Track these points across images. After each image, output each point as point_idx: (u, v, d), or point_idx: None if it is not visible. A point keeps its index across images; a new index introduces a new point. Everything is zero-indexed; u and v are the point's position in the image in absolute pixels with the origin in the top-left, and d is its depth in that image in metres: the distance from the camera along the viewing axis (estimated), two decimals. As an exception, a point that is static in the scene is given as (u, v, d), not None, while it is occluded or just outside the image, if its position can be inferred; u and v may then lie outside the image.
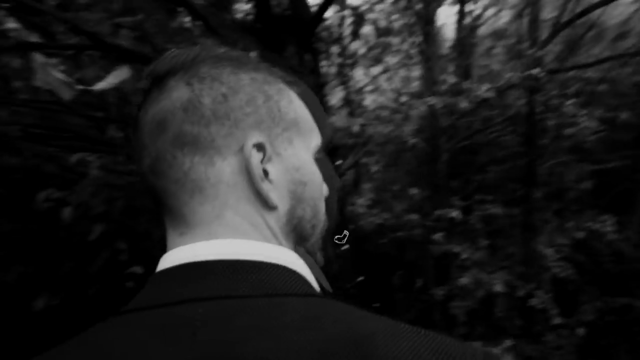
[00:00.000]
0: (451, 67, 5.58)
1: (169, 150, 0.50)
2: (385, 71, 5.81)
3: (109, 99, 2.62)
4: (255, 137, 0.52)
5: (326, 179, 0.61)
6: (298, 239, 0.57)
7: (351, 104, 5.94)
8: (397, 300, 5.01)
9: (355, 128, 3.85)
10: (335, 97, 6.20)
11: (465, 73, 5.16)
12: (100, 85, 1.51)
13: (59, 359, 0.43)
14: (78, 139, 2.68)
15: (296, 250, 0.57)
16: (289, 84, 0.59)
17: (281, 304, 0.44)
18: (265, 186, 0.52)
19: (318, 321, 0.42)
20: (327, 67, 5.57)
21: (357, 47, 5.69)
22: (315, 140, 0.60)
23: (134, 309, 0.45)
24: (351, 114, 5.54)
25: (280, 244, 0.53)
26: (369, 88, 6.20)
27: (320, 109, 0.63)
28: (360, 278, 3.19)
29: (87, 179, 2.53)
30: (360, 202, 4.43)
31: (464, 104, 3.63)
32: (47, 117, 2.81)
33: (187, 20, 3.15)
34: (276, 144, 0.54)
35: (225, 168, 0.51)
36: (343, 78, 5.74)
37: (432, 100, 3.91)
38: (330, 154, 3.22)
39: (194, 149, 0.50)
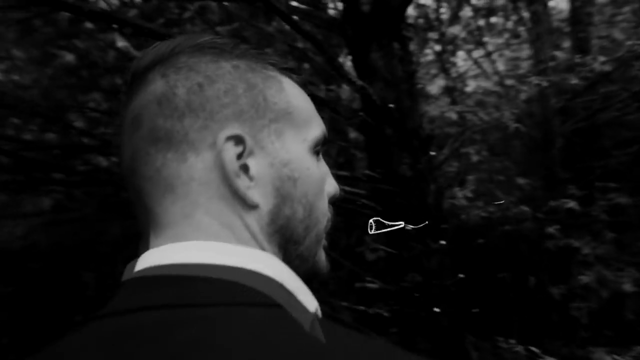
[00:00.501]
0: (564, 43, 5.04)
1: (143, 147, 0.47)
2: (488, 54, 5.42)
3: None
4: (232, 129, 0.47)
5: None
6: (286, 242, 0.51)
7: (452, 92, 5.64)
8: (508, 300, 4.66)
9: (453, 115, 3.64)
10: (435, 85, 5.95)
11: (581, 47, 4.61)
12: None
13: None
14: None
15: (286, 254, 0.51)
16: (284, 71, 0.54)
17: (229, 314, 0.38)
18: (241, 183, 0.47)
19: (263, 338, 0.36)
20: (424, 55, 5.36)
21: (457, 31, 5.40)
22: (314, 132, 0.54)
23: (94, 317, 0.42)
24: (453, 102, 5.26)
25: (260, 246, 0.48)
26: (471, 74, 5.84)
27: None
28: (461, 275, 3.00)
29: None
30: (462, 194, 4.18)
31: (575, 80, 3.23)
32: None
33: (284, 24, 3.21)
34: (260, 136, 0.49)
35: (197, 164, 0.47)
36: (442, 65, 5.47)
37: (540, 79, 3.55)
38: (425, 143, 3.07)
39: (167, 144, 0.47)
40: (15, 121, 2.71)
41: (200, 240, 0.45)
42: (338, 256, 3.27)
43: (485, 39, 5.26)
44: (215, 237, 0.46)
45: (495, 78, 5.35)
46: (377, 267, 3.51)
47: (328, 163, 0.59)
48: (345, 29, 2.89)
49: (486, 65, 5.59)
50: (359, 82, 2.32)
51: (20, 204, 4.73)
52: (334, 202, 0.57)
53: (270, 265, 0.46)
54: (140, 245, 0.50)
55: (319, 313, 0.49)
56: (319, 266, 0.55)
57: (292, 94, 0.54)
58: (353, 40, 2.90)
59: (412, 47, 4.11)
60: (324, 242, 0.55)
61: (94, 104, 3.04)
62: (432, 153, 3.19)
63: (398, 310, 2.77)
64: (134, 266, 0.46)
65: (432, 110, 3.88)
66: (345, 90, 4.15)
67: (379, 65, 2.82)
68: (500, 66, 5.69)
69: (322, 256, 0.55)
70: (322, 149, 0.57)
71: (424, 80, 5.53)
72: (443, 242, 2.82)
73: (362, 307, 2.87)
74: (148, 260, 0.45)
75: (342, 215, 3.61)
